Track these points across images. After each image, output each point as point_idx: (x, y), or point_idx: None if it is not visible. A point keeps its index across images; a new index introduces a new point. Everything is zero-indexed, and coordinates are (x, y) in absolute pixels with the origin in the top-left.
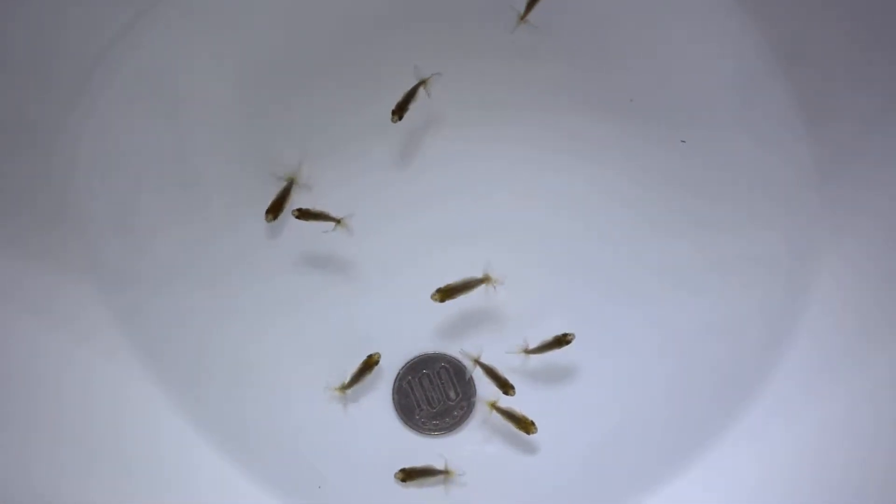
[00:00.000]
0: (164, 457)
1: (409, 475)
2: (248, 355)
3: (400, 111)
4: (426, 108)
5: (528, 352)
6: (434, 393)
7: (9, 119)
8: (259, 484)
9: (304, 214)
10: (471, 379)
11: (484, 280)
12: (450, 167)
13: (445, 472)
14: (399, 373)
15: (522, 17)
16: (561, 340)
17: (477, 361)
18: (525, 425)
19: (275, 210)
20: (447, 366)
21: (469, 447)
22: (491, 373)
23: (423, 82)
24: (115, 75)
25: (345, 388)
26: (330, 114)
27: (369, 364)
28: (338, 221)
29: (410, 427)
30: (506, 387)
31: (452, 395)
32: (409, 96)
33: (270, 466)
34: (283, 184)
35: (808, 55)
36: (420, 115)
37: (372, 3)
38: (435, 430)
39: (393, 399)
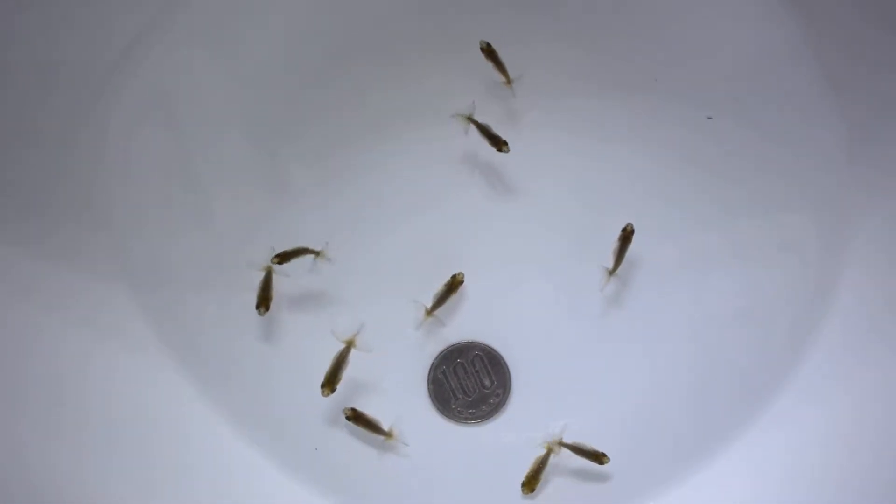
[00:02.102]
0: (193, 447)
1: (357, 418)
2: (279, 346)
3: (498, 143)
4: (444, 99)
5: (611, 272)
6: (469, 381)
7: (32, 119)
8: (291, 474)
9: (283, 258)
10: (505, 366)
11: (348, 346)
12: (469, 154)
13: (387, 434)
14: (433, 363)
15: (508, 83)
16: (626, 237)
17: (562, 443)
18: (531, 481)
19: (265, 302)
20: (481, 353)
21: (508, 436)
22: (578, 450)
23: (470, 118)
24: (135, 75)
25: (430, 312)
26: (335, 119)
27: (454, 285)
28: (317, 253)
29: (447, 416)
30: (599, 457)
31: (487, 382)
32: (485, 130)
33: (303, 457)
34: (263, 273)
35: (835, 32)
36: (436, 106)
37: (374, 7)
38: (471, 419)
39: (428, 389)
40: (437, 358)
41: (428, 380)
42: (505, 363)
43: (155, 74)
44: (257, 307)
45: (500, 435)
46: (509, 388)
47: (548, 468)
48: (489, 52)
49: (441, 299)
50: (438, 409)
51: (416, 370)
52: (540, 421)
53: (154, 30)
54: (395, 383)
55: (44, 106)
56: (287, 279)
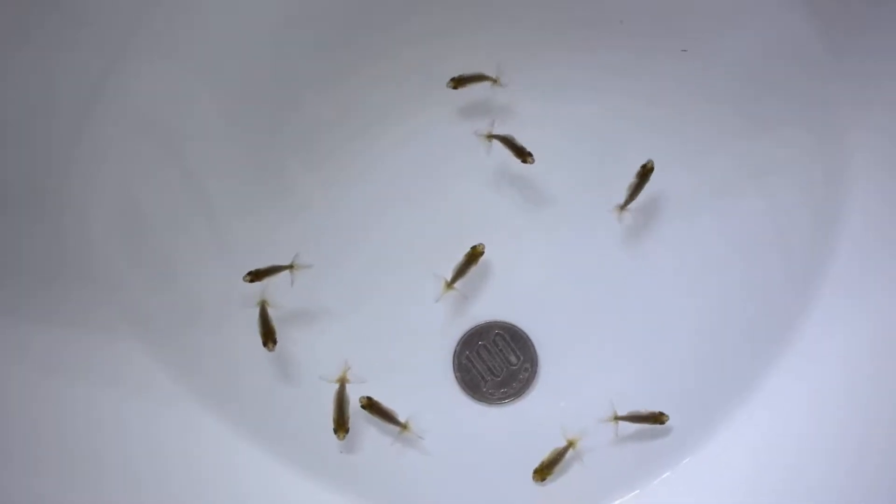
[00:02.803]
0: (246, 489)
1: (371, 406)
2: (307, 360)
3: (523, 154)
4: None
5: (622, 208)
6: (494, 362)
7: (15, 189)
8: (340, 490)
9: (256, 276)
10: (528, 339)
11: (342, 384)
12: (461, 124)
13: (403, 426)
14: (455, 350)
15: (496, 82)
16: (645, 174)
17: (618, 417)
18: (543, 470)
19: (270, 336)
20: (501, 332)
21: (545, 408)
22: (636, 417)
23: (491, 136)
24: (107, 120)
25: (450, 284)
26: (327, 119)
27: (474, 256)
28: (290, 267)
29: (479, 401)
30: (658, 417)
31: (513, 359)
32: (509, 142)
33: (352, 472)
34: (258, 308)
35: None
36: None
37: (358, 12)
38: (505, 398)
39: (456, 377)
40: (458, 345)
41: (454, 368)
42: (527, 336)
43: (126, 115)
44: (264, 345)
45: (537, 408)
46: (536, 360)
47: (572, 452)
48: (459, 81)
49: (461, 271)
50: (470, 395)
51: (440, 361)
52: (575, 386)
53: (121, 68)
54: (422, 379)
55: (22, 174)
56: (309, 284)
